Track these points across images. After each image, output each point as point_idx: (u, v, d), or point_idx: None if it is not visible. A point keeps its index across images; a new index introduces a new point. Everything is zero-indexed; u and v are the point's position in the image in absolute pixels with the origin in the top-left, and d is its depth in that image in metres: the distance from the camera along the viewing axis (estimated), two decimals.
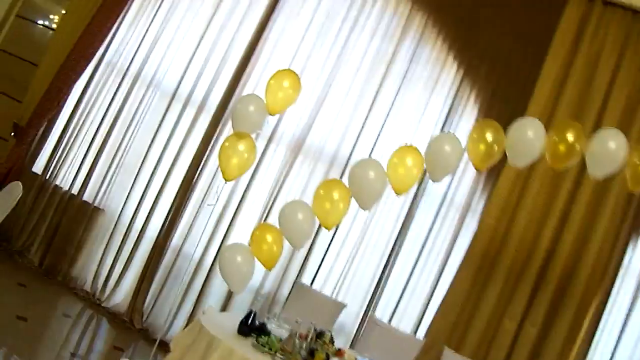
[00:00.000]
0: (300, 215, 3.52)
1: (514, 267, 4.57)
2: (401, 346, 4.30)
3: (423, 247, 4.92)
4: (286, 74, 3.70)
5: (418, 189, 4.87)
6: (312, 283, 4.94)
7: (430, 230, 4.93)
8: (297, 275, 4.97)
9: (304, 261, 4.93)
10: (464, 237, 4.81)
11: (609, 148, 3.49)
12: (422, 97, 4.99)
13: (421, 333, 4.75)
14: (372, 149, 4.87)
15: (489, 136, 3.56)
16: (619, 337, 4.63)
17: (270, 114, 3.62)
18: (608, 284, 4.58)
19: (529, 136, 3.57)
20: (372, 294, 4.96)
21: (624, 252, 4.62)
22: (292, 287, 4.80)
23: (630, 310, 4.64)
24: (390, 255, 4.94)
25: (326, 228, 3.61)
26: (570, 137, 3.53)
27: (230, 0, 5.40)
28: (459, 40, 5.03)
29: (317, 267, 4.97)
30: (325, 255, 5.01)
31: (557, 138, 3.56)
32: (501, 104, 4.64)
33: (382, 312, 4.89)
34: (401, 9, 5.20)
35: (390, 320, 4.86)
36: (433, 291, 4.85)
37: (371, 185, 3.56)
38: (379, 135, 4.93)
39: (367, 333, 4.49)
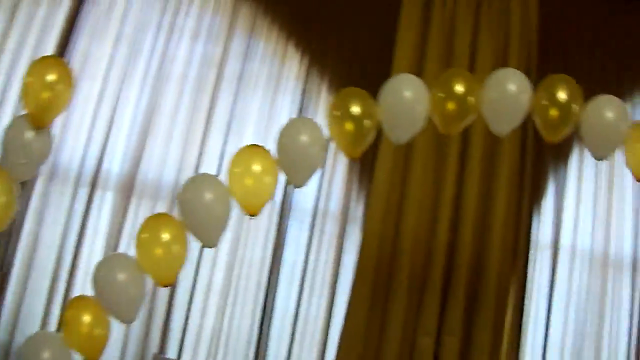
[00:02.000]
0: (121, 275, 2.42)
1: (414, 274, 3.91)
2: None
3: (304, 275, 4.08)
4: (50, 62, 2.57)
5: (283, 203, 3.87)
6: (179, 355, 3.91)
7: (307, 253, 4.09)
8: (160, 349, 3.76)
9: (164, 330, 3.72)
10: (349, 252, 4.05)
11: (509, 92, 2.69)
12: (266, 98, 4.10)
13: None
14: (219, 168, 3.83)
15: (355, 109, 2.65)
16: (548, 318, 4.09)
17: (37, 127, 2.48)
18: (521, 267, 4.00)
19: (407, 98, 2.70)
20: (256, 349, 4.01)
21: (529, 227, 3.92)
22: None
23: (551, 287, 4.11)
24: (266, 296, 4.05)
25: (162, 285, 2.51)
26: (459, 88, 2.70)
27: (20, 28, 4.09)
28: (297, 27, 4.22)
29: (180, 335, 3.89)
30: (187, 318, 3.93)
31: (444, 94, 2.70)
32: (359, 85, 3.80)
33: None
34: (223, 3, 4.25)
35: None
36: (328, 325, 4.02)
37: (209, 212, 2.62)
38: (223, 149, 3.91)
39: None
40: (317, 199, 4.07)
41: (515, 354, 3.94)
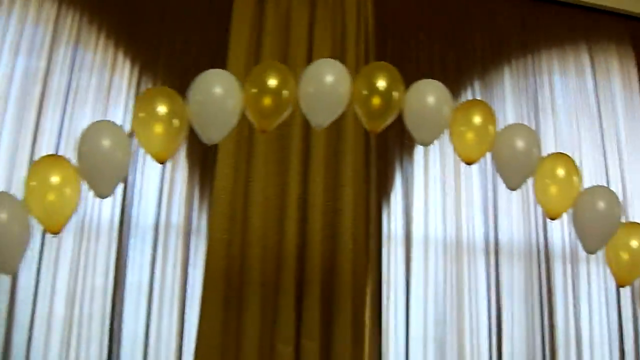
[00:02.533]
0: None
1: (266, 280, 3.73)
2: None
3: (151, 295, 3.75)
4: None
5: (121, 221, 3.61)
6: None
7: (152, 271, 3.77)
8: None
9: None
10: (196, 265, 3.79)
11: (325, 83, 2.58)
12: (97, 110, 3.84)
13: None
14: None
15: (161, 109, 2.43)
16: (407, 311, 4.00)
17: None
18: (375, 263, 3.88)
19: (216, 95, 2.53)
20: None
21: (380, 220, 3.82)
22: None
23: (407, 279, 4.03)
24: (112, 322, 3.68)
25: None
26: (272, 82, 2.55)
27: None
28: (125, 34, 3.95)
29: None
30: (28, 355, 3.58)
31: (257, 89, 2.54)
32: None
33: None
34: (44, 14, 3.90)
35: None
36: (181, 343, 3.72)
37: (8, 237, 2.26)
38: None
39: None
40: (158, 213, 3.80)
41: (377, 351, 3.84)
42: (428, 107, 2.76)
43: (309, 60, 3.88)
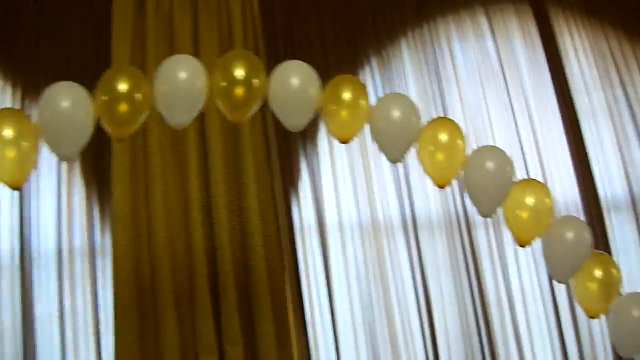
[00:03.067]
0: None
1: (180, 291, 3.61)
2: None
3: (63, 325, 3.61)
4: None
5: (22, 252, 3.47)
6: None
7: (61, 300, 3.64)
8: None
9: None
10: (105, 286, 3.68)
11: (179, 80, 2.45)
12: None
13: None
14: None
15: (7, 132, 2.32)
16: (330, 300, 3.91)
17: None
18: (291, 256, 3.73)
19: (64, 108, 2.41)
20: None
21: (290, 212, 3.71)
22: None
23: (326, 268, 3.94)
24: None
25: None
26: (123, 87, 2.46)
27: None
28: (2, 57, 3.75)
29: None
30: None
31: (108, 96, 2.47)
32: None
33: None
34: None
35: None
36: None
37: None
38: None
39: None
40: (59, 238, 3.66)
41: (305, 346, 3.74)
42: (293, 90, 2.66)
43: (196, 55, 3.77)
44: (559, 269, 2.92)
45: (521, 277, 4.18)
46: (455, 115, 4.28)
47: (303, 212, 3.95)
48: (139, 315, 3.50)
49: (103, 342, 3.58)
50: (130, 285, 3.51)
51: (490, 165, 2.84)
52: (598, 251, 3.16)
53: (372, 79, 4.22)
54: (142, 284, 3.53)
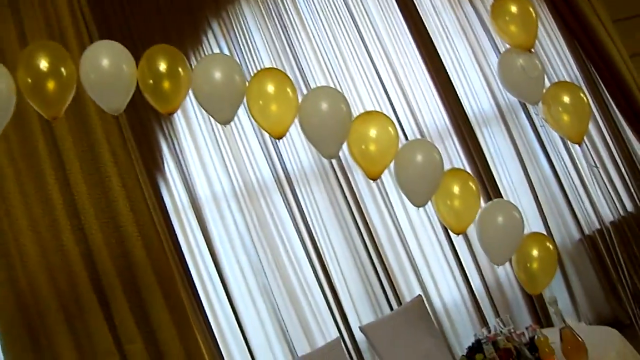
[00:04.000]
0: None
1: (66, 303, 3.50)
2: None
3: None
4: None
5: None
6: None
7: None
8: None
9: None
10: None
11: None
12: None
13: None
14: None
15: None
16: (221, 275, 3.95)
17: None
18: (171, 240, 3.70)
19: None
20: None
21: (160, 198, 3.67)
22: None
23: (208, 242, 3.96)
24: None
25: None
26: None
27: None
28: None
29: None
30: None
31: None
32: None
33: None
34: None
35: None
36: None
37: None
38: None
39: None
40: None
41: (207, 326, 3.74)
42: (105, 71, 2.59)
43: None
44: (414, 194, 2.99)
45: (406, 206, 4.31)
46: (310, 62, 4.32)
47: (173, 192, 3.94)
48: (30, 337, 3.41)
49: None
50: (12, 309, 3.40)
51: (324, 106, 2.87)
52: (453, 167, 3.27)
53: (217, 44, 4.19)
54: (25, 304, 3.43)
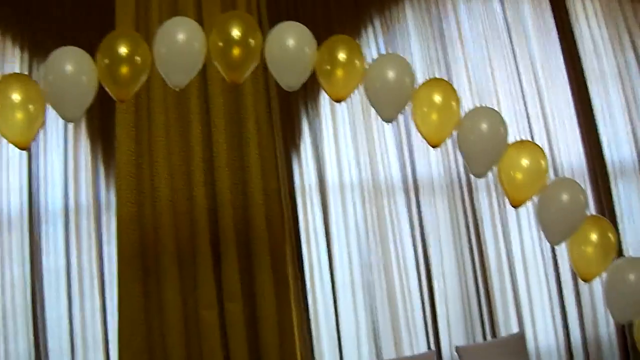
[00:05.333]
0: None
1: (182, 248, 3.77)
2: None
3: (69, 279, 3.82)
4: None
5: (30, 209, 3.70)
6: None
7: (68, 255, 3.83)
8: None
9: None
10: (110, 243, 3.88)
11: (177, 42, 2.71)
12: None
13: None
14: None
15: (16, 97, 2.46)
16: (330, 259, 4.08)
17: None
18: (291, 215, 4.01)
19: (69, 72, 2.63)
20: None
21: (291, 172, 3.86)
22: None
23: (326, 227, 4.09)
24: (35, 312, 3.74)
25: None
26: (124, 50, 2.57)
27: None
28: (12, 20, 3.98)
29: None
30: None
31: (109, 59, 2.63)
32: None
33: None
34: None
35: None
36: (105, 327, 3.82)
37: None
38: None
39: None
40: (65, 195, 3.84)
41: (304, 304, 3.89)
42: (288, 50, 2.76)
43: (199, 14, 3.85)
44: (552, 231, 2.99)
45: (522, 240, 4.30)
46: (460, 77, 4.37)
47: (304, 171, 4.08)
48: (143, 271, 3.67)
49: (107, 296, 3.79)
50: (134, 242, 3.66)
51: (484, 126, 2.92)
52: (595, 215, 3.24)
53: (374, 41, 4.30)
54: (145, 241, 3.68)
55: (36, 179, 3.82)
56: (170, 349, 3.63)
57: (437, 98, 2.90)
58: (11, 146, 2.65)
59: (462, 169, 4.24)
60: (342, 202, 4.09)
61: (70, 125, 3.90)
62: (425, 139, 2.93)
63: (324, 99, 4.12)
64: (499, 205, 4.28)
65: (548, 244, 4.26)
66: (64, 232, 3.80)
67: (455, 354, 3.54)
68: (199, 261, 3.70)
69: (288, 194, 3.96)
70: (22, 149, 2.65)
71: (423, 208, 4.17)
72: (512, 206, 3.01)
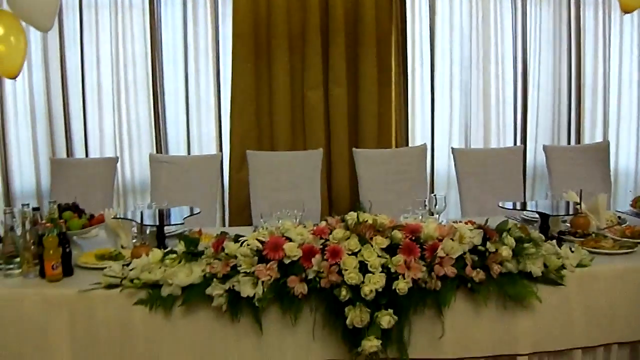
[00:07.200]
0: None
1: (292, 31, 4.01)
2: None
3: (186, 54, 4.13)
4: None
5: None
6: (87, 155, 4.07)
7: (185, 31, 4.11)
8: (67, 152, 4.04)
9: (67, 134, 4.08)
10: (225, 23, 4.09)
11: None
12: None
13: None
14: None
15: None
16: (432, 57, 4.26)
17: None
18: (399, 12, 4.13)
19: None
20: (156, 135, 4.18)
21: None
22: None
23: (432, 26, 4.23)
24: (154, 83, 4.12)
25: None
26: None
27: None
28: None
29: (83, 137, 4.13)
30: (85, 121, 4.12)
31: None
32: None
33: None
34: None
35: None
36: (219, 95, 4.15)
37: None
38: None
39: None
40: None
41: (404, 96, 4.15)
42: None
43: None
44: None
45: (622, 61, 4.39)
46: None
47: None
48: (256, 48, 3.94)
49: (221, 74, 4.08)
50: (248, 24, 3.90)
51: None
52: None
53: None
54: (259, 23, 3.92)
55: None
56: (276, 125, 3.99)
57: None
58: None
59: None
60: (450, 2, 4.19)
61: None
62: None
63: None
64: (604, 22, 4.31)
65: None
66: (182, 10, 4.03)
67: (542, 152, 3.76)
68: (309, 46, 3.94)
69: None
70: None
71: (528, 15, 4.23)
72: (623, 12, 3.04)
